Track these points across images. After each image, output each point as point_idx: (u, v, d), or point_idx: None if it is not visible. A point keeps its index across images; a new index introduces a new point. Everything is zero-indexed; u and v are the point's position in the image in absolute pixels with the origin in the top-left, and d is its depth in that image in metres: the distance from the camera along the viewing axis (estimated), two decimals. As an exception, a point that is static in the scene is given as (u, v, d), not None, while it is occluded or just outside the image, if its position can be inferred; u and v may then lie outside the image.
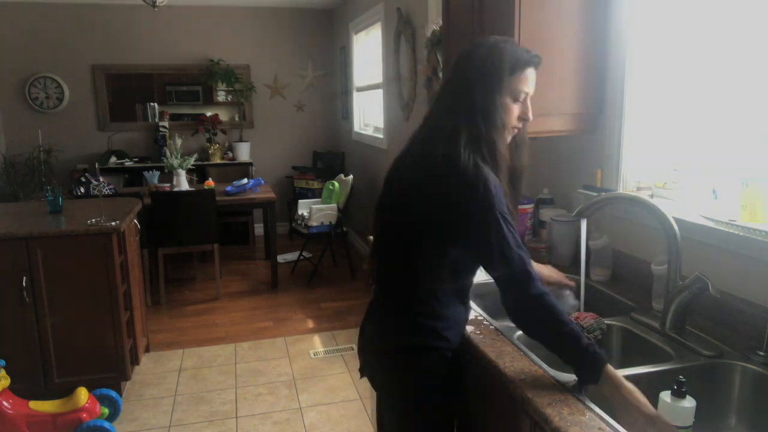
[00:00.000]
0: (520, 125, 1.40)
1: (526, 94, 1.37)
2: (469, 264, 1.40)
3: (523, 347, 1.39)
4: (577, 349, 1.19)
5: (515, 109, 1.36)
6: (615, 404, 1.14)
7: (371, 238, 1.54)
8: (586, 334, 1.47)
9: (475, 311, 1.63)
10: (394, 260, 1.46)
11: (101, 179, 4.66)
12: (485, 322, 1.55)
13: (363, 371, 1.60)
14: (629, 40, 1.81)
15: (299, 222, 5.03)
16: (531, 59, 1.36)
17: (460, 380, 1.49)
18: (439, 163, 1.30)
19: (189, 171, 4.93)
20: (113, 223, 2.90)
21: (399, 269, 1.43)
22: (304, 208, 5.15)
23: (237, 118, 6.51)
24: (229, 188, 4.98)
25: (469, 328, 1.51)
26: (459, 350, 1.45)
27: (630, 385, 1.14)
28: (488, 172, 1.28)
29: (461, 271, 1.40)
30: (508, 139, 1.40)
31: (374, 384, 1.59)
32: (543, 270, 1.70)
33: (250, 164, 6.32)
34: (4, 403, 2.48)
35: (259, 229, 6.35)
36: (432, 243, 1.35)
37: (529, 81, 1.36)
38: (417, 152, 1.40)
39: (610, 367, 1.16)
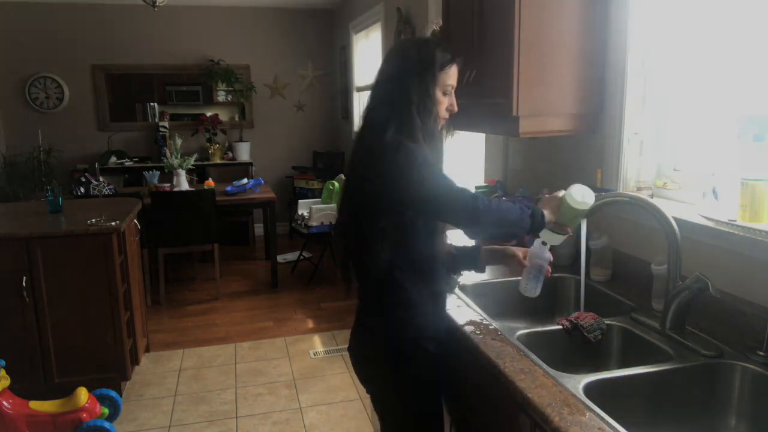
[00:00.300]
0: (447, 116, 1.53)
1: (452, 87, 1.51)
2: (419, 230, 1.45)
3: (523, 347, 1.39)
4: (525, 221, 1.41)
5: (444, 102, 1.50)
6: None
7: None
8: (586, 333, 1.47)
9: (476, 311, 1.63)
10: (362, 261, 1.53)
11: (101, 179, 4.66)
12: (485, 322, 1.55)
13: (359, 379, 1.67)
14: (629, 40, 1.80)
15: (299, 222, 5.03)
16: (453, 58, 1.50)
17: (444, 380, 1.53)
18: (371, 153, 1.44)
19: (189, 171, 4.94)
20: (113, 223, 2.90)
21: (362, 267, 1.52)
22: (304, 208, 5.16)
23: (237, 118, 6.51)
24: (229, 188, 4.98)
25: (469, 328, 1.51)
26: (443, 346, 1.51)
27: (553, 204, 1.46)
28: (408, 142, 1.39)
29: (412, 243, 1.46)
30: (439, 127, 1.53)
31: (366, 387, 1.64)
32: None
33: (250, 164, 6.32)
34: (4, 403, 2.48)
35: (259, 229, 6.35)
36: (388, 236, 1.43)
37: (454, 76, 1.50)
38: (356, 149, 1.52)
39: (543, 210, 1.44)
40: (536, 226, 1.44)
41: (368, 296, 1.56)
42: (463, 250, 1.68)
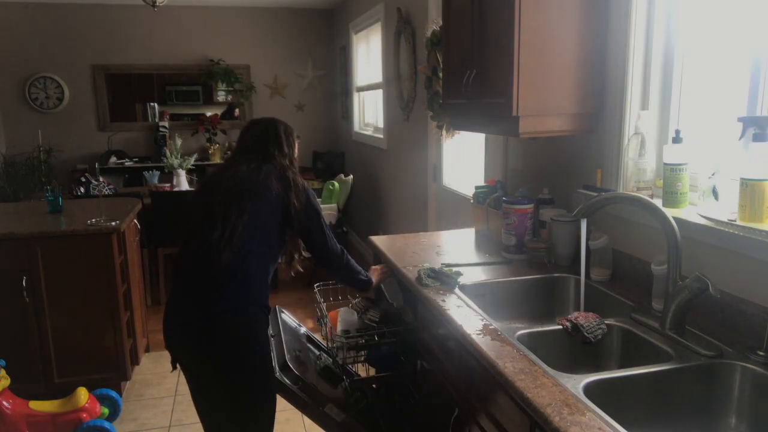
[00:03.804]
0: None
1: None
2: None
3: (523, 347, 1.39)
4: (359, 281, 2.17)
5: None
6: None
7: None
8: (586, 333, 1.47)
9: (475, 311, 1.63)
10: (219, 234, 1.87)
11: (101, 179, 4.66)
12: (485, 322, 1.55)
13: (174, 362, 1.98)
14: (629, 40, 1.80)
15: (299, 222, 5.02)
16: (295, 133, 2.11)
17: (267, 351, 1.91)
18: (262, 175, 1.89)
19: (189, 171, 4.93)
20: (113, 223, 2.90)
21: (206, 252, 1.88)
22: (304, 208, 5.14)
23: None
24: (229, 188, 4.96)
25: (469, 328, 1.51)
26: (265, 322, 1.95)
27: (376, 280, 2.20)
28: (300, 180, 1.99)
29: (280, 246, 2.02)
30: None
31: (189, 363, 1.94)
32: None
33: (250, 164, 6.31)
34: (4, 403, 2.48)
35: (259, 229, 6.34)
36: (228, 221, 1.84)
37: (298, 146, 2.11)
38: (234, 173, 1.92)
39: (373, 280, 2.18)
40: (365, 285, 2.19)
41: (197, 279, 1.93)
42: None
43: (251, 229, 1.79)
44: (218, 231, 1.76)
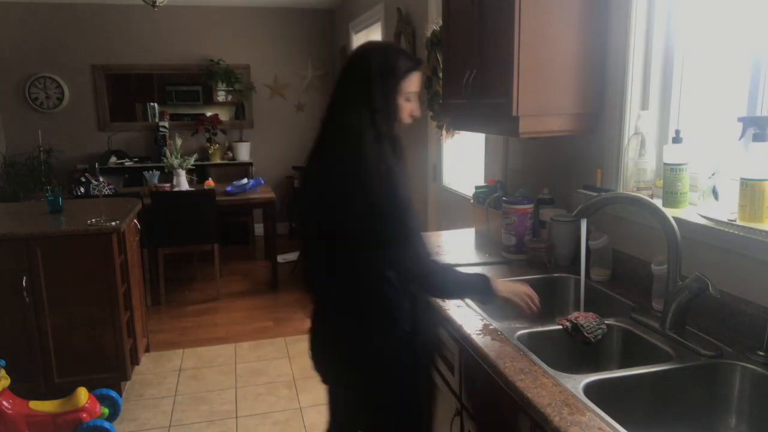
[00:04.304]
0: (410, 121, 1.55)
1: (415, 94, 1.53)
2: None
3: (523, 347, 1.39)
4: (473, 288, 1.53)
5: (407, 107, 1.52)
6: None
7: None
8: (586, 333, 1.47)
9: (476, 311, 1.63)
10: (325, 265, 1.54)
11: (101, 179, 4.66)
12: (485, 322, 1.55)
13: (325, 379, 1.68)
14: (629, 40, 1.80)
15: (299, 222, 5.03)
16: (416, 65, 1.53)
17: (419, 373, 1.55)
18: (352, 164, 1.42)
19: (189, 171, 4.93)
20: (113, 223, 2.90)
21: (334, 273, 1.52)
22: (304, 208, 5.14)
23: (231, 117, 6.48)
24: (229, 188, 4.98)
25: (469, 329, 1.51)
26: (414, 340, 1.51)
27: (505, 293, 1.53)
28: (396, 168, 1.42)
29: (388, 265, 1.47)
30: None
31: (336, 386, 1.67)
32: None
33: (250, 164, 6.32)
34: (4, 403, 2.48)
35: (259, 229, 6.35)
36: (357, 240, 1.44)
37: (416, 83, 1.53)
38: (327, 155, 1.50)
39: (494, 285, 1.52)
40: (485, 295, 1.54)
41: (341, 298, 1.55)
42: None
43: None
44: None
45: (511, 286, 1.57)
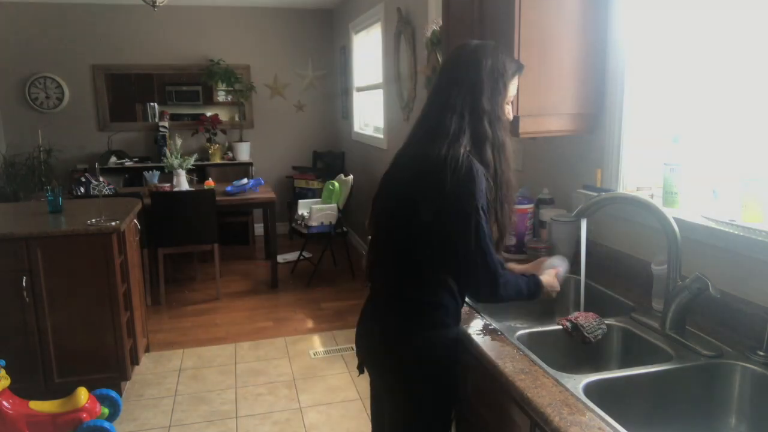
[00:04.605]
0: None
1: (513, 97, 1.51)
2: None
3: (523, 347, 1.39)
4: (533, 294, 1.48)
5: (506, 111, 1.48)
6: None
7: (369, 237, 1.59)
8: (586, 333, 1.47)
9: (476, 311, 1.63)
10: (393, 259, 1.49)
11: (101, 179, 4.66)
12: (485, 322, 1.55)
13: (361, 368, 1.62)
14: (629, 40, 1.81)
15: (299, 222, 5.03)
16: (520, 67, 1.51)
17: (458, 371, 1.51)
18: (441, 164, 1.35)
19: (189, 171, 4.93)
20: (113, 223, 2.90)
21: (399, 267, 1.47)
22: (304, 208, 5.16)
23: (237, 118, 6.51)
24: (229, 188, 4.98)
25: (469, 328, 1.51)
26: (458, 339, 1.49)
27: (548, 284, 1.51)
28: (479, 172, 1.36)
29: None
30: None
31: (377, 376, 1.60)
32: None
33: (250, 164, 6.32)
34: (4, 403, 2.48)
35: (259, 229, 6.35)
36: (431, 241, 1.39)
37: (516, 86, 1.51)
38: (416, 153, 1.45)
39: (542, 284, 1.50)
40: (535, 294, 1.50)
41: (396, 294, 1.50)
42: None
43: None
44: None
45: (548, 280, 1.53)
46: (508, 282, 1.41)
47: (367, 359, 1.60)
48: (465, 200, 1.34)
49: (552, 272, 1.56)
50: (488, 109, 1.40)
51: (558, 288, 1.55)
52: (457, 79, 1.44)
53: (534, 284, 1.49)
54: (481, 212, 1.35)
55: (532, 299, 1.50)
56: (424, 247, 1.41)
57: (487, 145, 1.40)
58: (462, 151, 1.36)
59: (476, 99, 1.40)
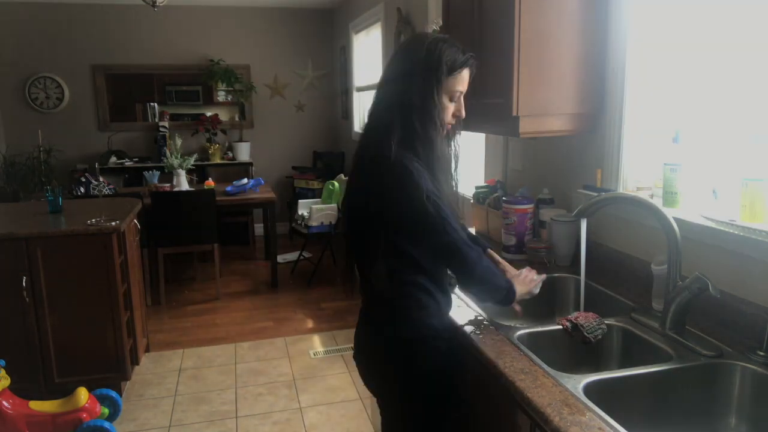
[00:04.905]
0: (453, 122, 1.45)
1: (461, 93, 1.42)
2: (431, 258, 1.43)
3: (523, 347, 1.39)
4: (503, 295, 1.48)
5: (450, 108, 1.41)
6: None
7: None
8: (586, 333, 1.47)
9: (475, 311, 1.63)
10: (364, 261, 1.50)
11: (101, 179, 4.66)
12: (485, 322, 1.55)
13: (364, 379, 1.62)
14: (629, 40, 1.81)
15: (299, 222, 5.03)
16: (466, 60, 1.40)
17: (455, 376, 1.51)
18: (374, 163, 1.36)
19: (189, 171, 4.93)
20: (113, 223, 2.90)
21: (372, 272, 1.46)
22: (304, 208, 5.15)
23: (237, 118, 6.51)
24: (229, 188, 4.98)
25: (469, 328, 1.51)
26: (451, 345, 1.48)
27: (521, 290, 1.52)
28: (412, 163, 1.33)
29: (424, 262, 1.41)
30: (443, 134, 1.43)
31: (373, 389, 1.61)
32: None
33: (250, 164, 6.32)
34: (4, 403, 2.48)
35: (259, 229, 6.35)
36: (390, 240, 1.39)
37: (464, 81, 1.41)
38: (360, 153, 1.46)
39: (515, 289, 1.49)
40: (507, 301, 1.50)
41: (376, 299, 1.51)
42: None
43: None
44: None
45: (522, 289, 1.54)
46: (484, 265, 1.42)
47: (362, 371, 1.61)
48: (412, 194, 1.31)
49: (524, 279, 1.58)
50: (418, 104, 1.34)
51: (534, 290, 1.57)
52: (393, 73, 1.40)
53: (508, 282, 1.49)
54: (434, 199, 1.33)
55: (504, 295, 1.49)
56: (388, 249, 1.38)
57: (417, 143, 1.35)
58: (392, 147, 1.32)
59: (406, 93, 1.35)
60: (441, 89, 1.36)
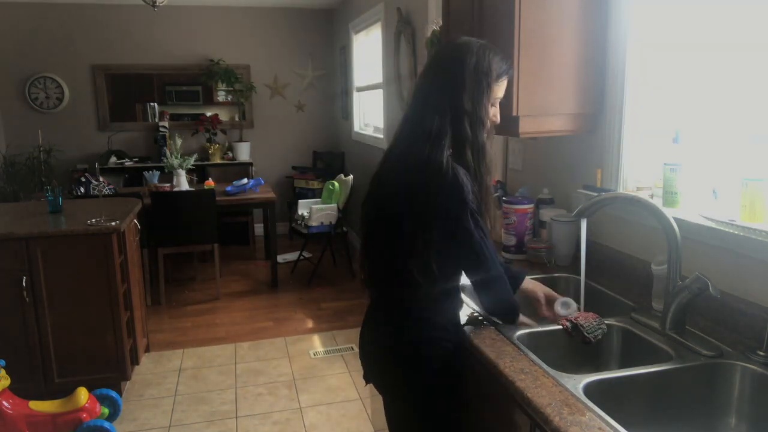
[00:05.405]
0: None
1: (499, 99, 1.46)
2: (454, 264, 1.43)
3: (523, 347, 1.39)
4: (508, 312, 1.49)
5: (491, 113, 1.44)
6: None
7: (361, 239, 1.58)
8: (586, 333, 1.47)
9: (475, 311, 1.63)
10: (384, 262, 1.48)
11: (101, 179, 4.66)
12: (485, 322, 1.55)
13: (367, 378, 1.61)
14: (629, 40, 1.81)
15: (299, 222, 5.03)
16: (509, 69, 1.45)
17: (462, 376, 1.51)
18: (422, 167, 1.34)
19: (189, 171, 4.93)
20: (113, 223, 2.90)
21: (390, 271, 1.46)
22: (304, 208, 5.16)
23: (237, 118, 6.51)
24: (229, 188, 4.98)
25: (469, 328, 1.51)
26: (458, 344, 1.48)
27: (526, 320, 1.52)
28: (464, 176, 1.34)
29: (449, 269, 1.42)
30: (492, 139, 1.47)
31: (379, 388, 1.60)
32: (530, 287, 1.68)
33: (250, 164, 6.32)
34: (4, 403, 2.48)
35: (259, 229, 6.35)
36: (420, 244, 1.37)
37: (504, 87, 1.45)
38: (401, 154, 1.44)
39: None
40: (508, 320, 1.51)
41: (386, 299, 1.51)
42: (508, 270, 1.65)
43: None
44: None
45: (525, 321, 1.54)
46: (503, 279, 1.44)
47: (366, 369, 1.60)
48: (457, 207, 1.32)
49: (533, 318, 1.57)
50: (469, 109, 1.36)
51: (532, 324, 1.55)
52: (439, 77, 1.40)
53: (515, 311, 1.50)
54: (476, 216, 1.35)
55: (509, 314, 1.50)
56: (419, 258, 1.36)
57: (467, 148, 1.36)
58: (444, 153, 1.33)
59: (457, 98, 1.36)
60: (490, 95, 1.39)
